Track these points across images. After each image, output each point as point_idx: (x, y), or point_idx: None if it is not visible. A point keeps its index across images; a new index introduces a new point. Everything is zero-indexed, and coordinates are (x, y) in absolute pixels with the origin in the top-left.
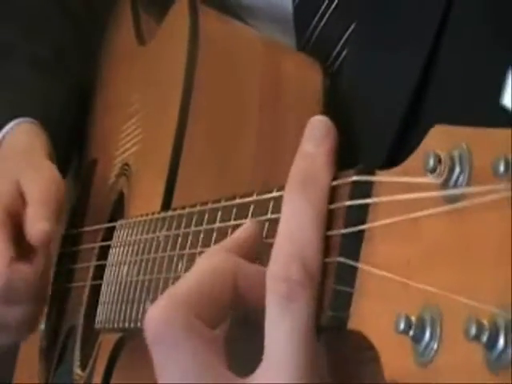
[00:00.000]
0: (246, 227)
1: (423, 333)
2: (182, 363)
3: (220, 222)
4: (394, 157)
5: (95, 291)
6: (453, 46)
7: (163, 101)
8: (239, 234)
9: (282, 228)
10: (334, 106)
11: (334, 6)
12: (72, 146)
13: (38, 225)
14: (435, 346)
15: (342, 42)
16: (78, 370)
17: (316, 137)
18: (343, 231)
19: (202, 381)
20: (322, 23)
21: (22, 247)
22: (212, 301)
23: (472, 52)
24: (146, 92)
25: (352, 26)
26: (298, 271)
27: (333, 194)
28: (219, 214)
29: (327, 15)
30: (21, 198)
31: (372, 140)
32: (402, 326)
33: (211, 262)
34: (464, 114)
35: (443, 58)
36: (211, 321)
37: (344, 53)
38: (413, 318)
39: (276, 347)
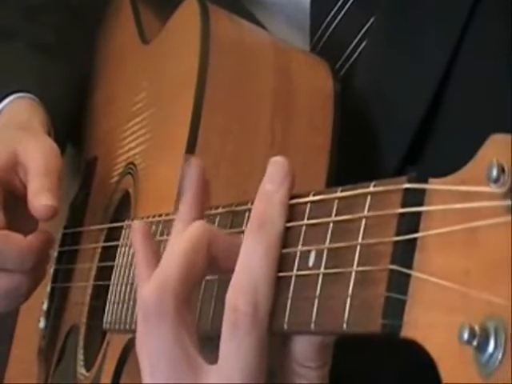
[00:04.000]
0: None
1: (487, 343)
2: (165, 336)
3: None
4: (415, 152)
5: (99, 291)
6: (477, 43)
7: (174, 102)
8: None
9: (239, 261)
10: (351, 102)
11: (351, 1)
12: (68, 133)
13: (41, 198)
14: (499, 356)
15: (359, 37)
16: (82, 370)
17: (275, 178)
18: (395, 238)
19: (174, 354)
20: (337, 18)
21: (15, 216)
22: (192, 276)
23: (495, 49)
24: (152, 91)
25: (369, 22)
26: (245, 302)
27: (382, 201)
28: (246, 216)
29: (344, 10)
30: (17, 168)
31: (393, 135)
32: (465, 335)
33: (189, 232)
34: (485, 108)
35: (467, 55)
36: (190, 292)
37: (360, 48)
38: (476, 328)
39: (226, 362)
